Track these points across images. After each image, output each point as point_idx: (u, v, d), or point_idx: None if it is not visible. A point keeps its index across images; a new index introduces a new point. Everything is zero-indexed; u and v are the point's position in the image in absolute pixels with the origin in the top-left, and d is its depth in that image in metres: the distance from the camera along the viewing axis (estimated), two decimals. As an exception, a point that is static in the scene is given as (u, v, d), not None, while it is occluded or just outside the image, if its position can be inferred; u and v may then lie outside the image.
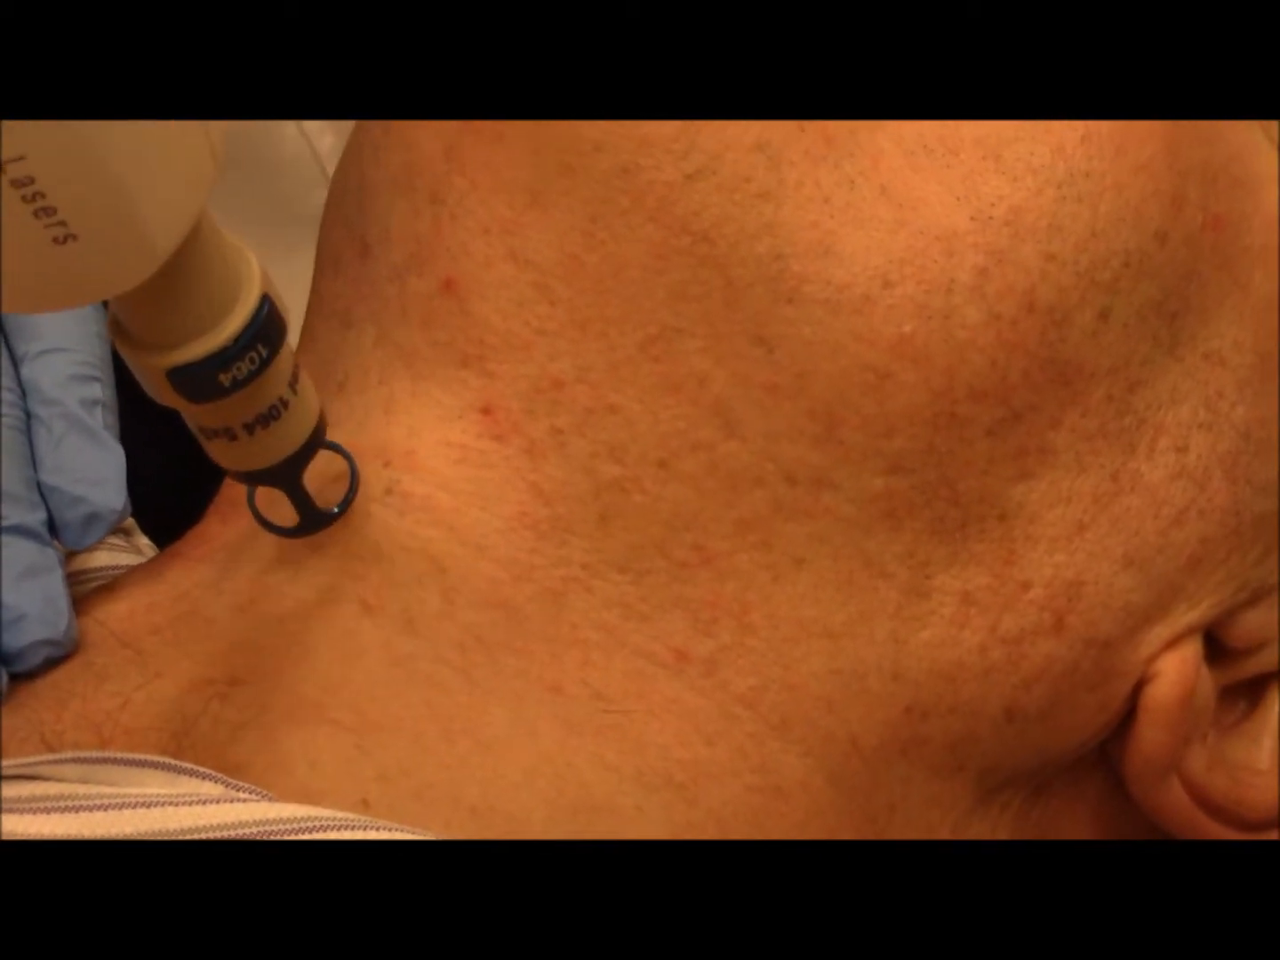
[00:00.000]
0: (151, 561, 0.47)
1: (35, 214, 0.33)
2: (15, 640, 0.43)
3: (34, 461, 0.46)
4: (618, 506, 0.43)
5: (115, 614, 0.45)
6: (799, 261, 0.43)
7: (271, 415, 0.40)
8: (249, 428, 0.40)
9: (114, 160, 0.33)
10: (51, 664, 0.43)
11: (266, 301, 0.38)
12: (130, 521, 0.56)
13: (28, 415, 0.46)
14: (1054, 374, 0.44)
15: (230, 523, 0.46)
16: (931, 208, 0.43)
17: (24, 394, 0.47)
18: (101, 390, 0.47)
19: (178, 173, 0.35)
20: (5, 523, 0.44)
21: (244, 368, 0.38)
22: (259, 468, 0.41)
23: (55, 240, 0.33)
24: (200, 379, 0.38)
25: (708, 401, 0.43)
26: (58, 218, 0.33)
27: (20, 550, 0.44)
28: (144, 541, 0.57)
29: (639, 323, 0.43)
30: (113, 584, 0.47)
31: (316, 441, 0.42)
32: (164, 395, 0.39)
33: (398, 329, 0.45)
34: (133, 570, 0.47)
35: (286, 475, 0.42)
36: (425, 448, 0.44)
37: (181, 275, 0.37)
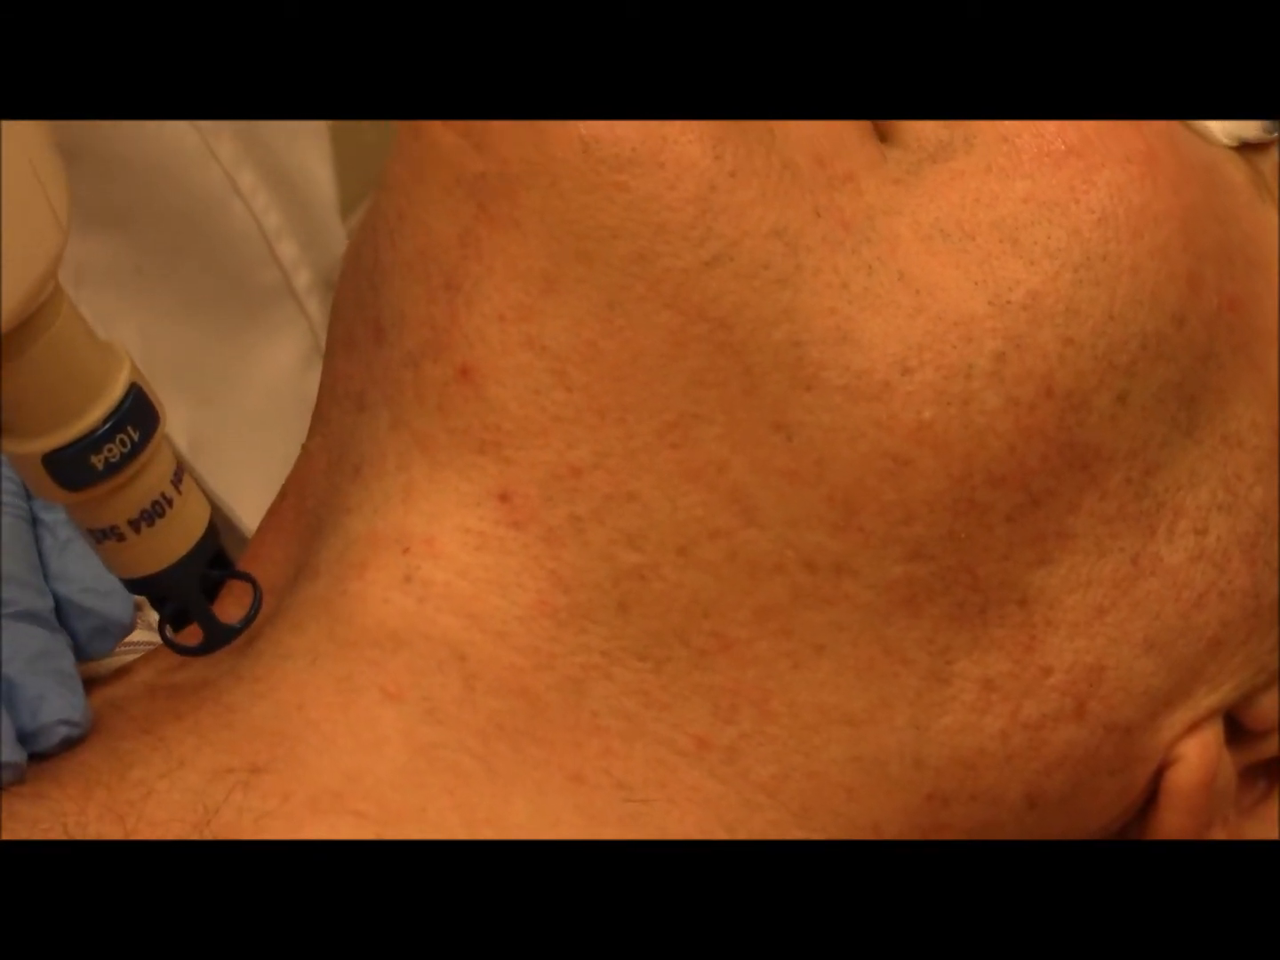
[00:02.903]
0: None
1: None
2: (33, 720, 0.43)
3: (40, 560, 0.46)
4: (637, 594, 0.43)
5: (135, 698, 0.45)
6: (817, 348, 0.43)
7: (155, 512, 0.42)
8: (134, 525, 0.42)
9: None
10: (69, 744, 0.43)
11: (135, 388, 0.41)
12: (139, 599, 0.56)
13: (31, 512, 0.46)
14: (1072, 458, 0.44)
15: (246, 607, 0.46)
16: (949, 293, 0.43)
17: (27, 494, 0.47)
18: None
19: (16, 232, 0.36)
20: (13, 609, 0.44)
21: (116, 450, 0.40)
22: (151, 572, 0.42)
23: None
24: (73, 462, 0.40)
25: (726, 488, 0.43)
26: None
27: (31, 635, 0.44)
28: (155, 617, 0.57)
29: (657, 409, 0.43)
30: (132, 667, 0.47)
31: (207, 548, 0.43)
32: (45, 488, 0.41)
33: (414, 415, 0.45)
34: (148, 655, 0.47)
35: (181, 584, 0.43)
36: (444, 534, 0.44)
37: (43, 354, 0.39)
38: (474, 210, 0.45)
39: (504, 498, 0.44)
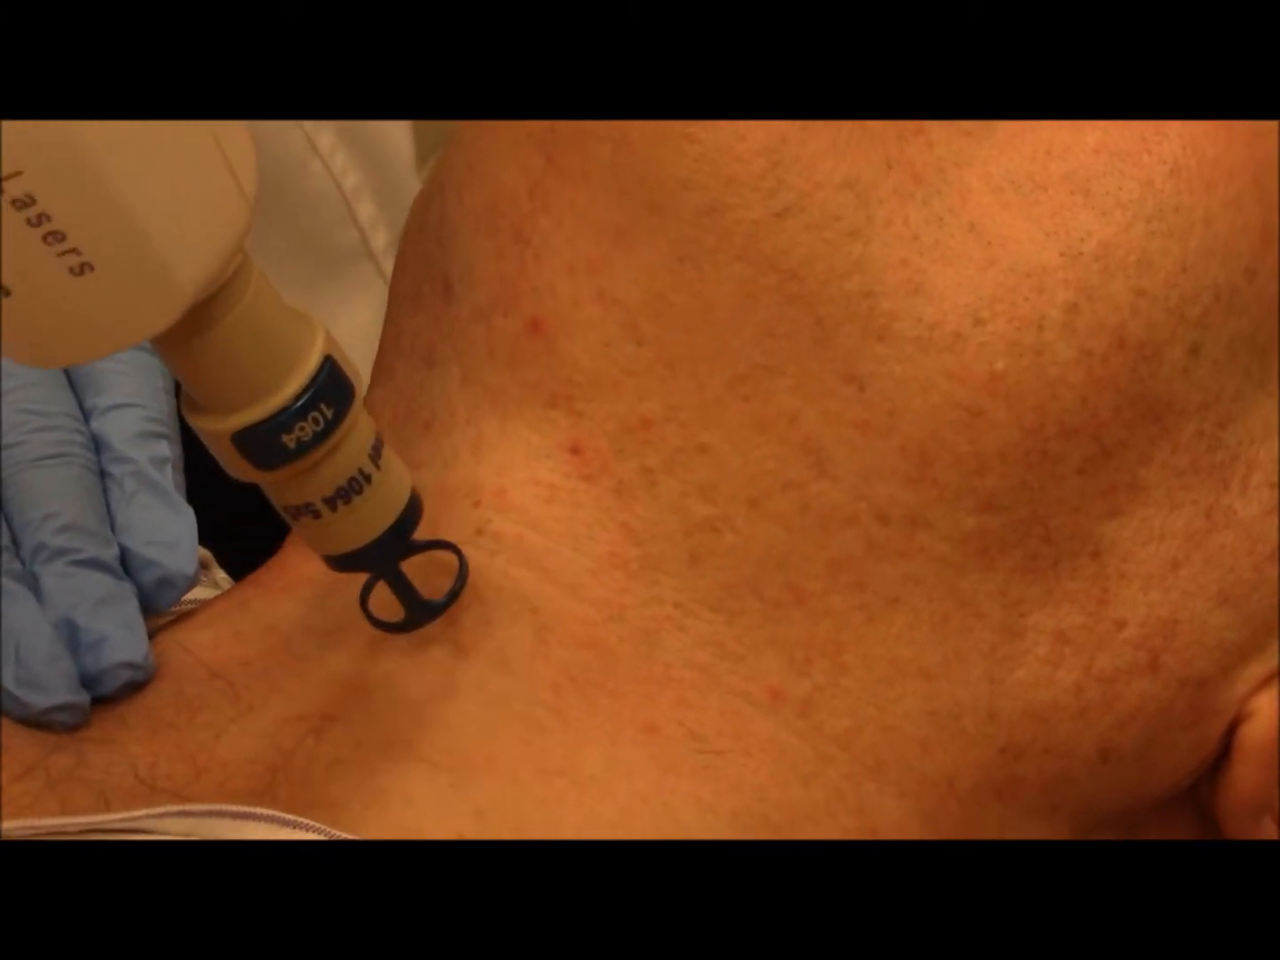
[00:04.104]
0: (233, 591, 0.47)
1: (45, 239, 0.32)
2: (96, 663, 0.43)
3: (108, 512, 0.46)
4: (709, 546, 0.43)
5: (201, 643, 0.45)
6: (889, 299, 0.43)
7: (353, 489, 0.40)
8: (330, 503, 0.39)
9: (114, 175, 0.33)
10: (132, 688, 0.43)
11: (329, 362, 0.38)
12: (208, 555, 0.56)
13: (100, 465, 0.47)
14: (1145, 410, 0.44)
15: (309, 555, 0.46)
16: (1021, 244, 0.43)
17: (96, 447, 0.47)
18: (169, 448, 0.47)
19: (198, 204, 0.34)
20: (80, 556, 0.44)
21: (308, 429, 0.38)
22: (348, 549, 0.41)
23: (72, 270, 0.33)
24: (264, 441, 0.38)
25: (798, 440, 0.43)
26: (69, 244, 0.33)
27: (96, 581, 0.44)
28: (221, 575, 0.57)
29: (728, 361, 0.43)
30: (195, 613, 0.47)
31: (408, 524, 0.41)
32: (237, 466, 0.39)
33: (484, 369, 0.45)
34: (214, 600, 0.47)
35: (381, 560, 0.41)
36: (515, 487, 0.44)
37: (233, 329, 0.37)
38: (543, 163, 0.45)
39: (575, 450, 0.44)
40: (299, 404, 0.38)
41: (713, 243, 0.43)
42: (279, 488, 0.40)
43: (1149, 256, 0.43)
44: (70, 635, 0.43)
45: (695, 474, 0.43)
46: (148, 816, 0.38)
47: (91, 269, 0.33)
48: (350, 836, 0.38)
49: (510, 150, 0.45)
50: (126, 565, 0.45)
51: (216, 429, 0.38)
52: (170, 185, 0.34)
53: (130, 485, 0.46)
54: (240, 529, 0.56)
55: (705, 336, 0.43)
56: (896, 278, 0.43)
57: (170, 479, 0.46)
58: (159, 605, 0.45)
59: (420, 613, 0.42)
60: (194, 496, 0.47)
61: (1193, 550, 0.44)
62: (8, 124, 0.31)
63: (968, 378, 0.42)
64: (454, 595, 0.42)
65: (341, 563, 0.41)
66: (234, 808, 0.39)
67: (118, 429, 0.46)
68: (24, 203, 0.32)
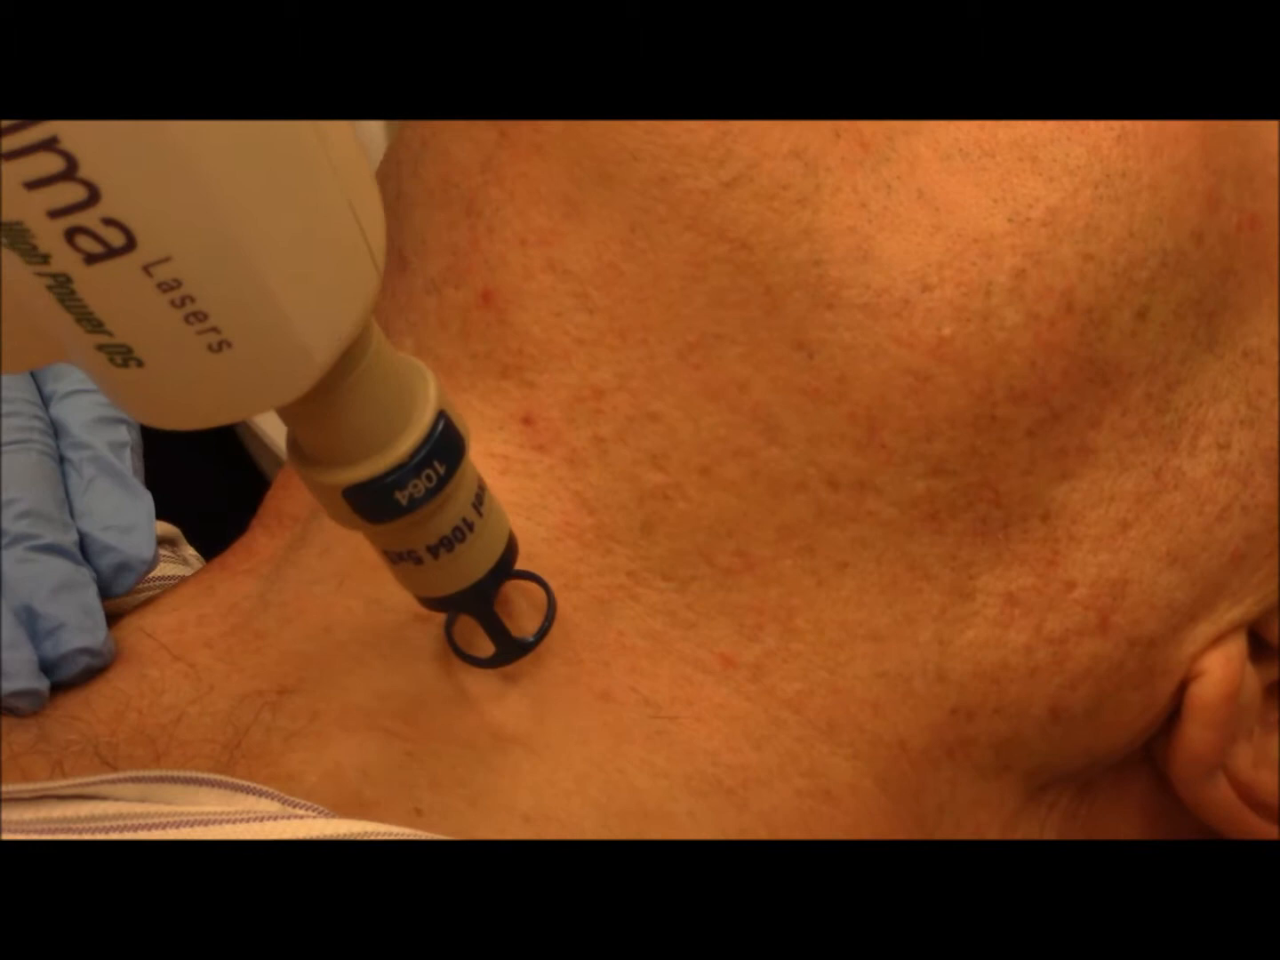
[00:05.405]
0: (199, 574, 0.48)
1: (186, 319, 0.32)
2: (54, 649, 0.43)
3: (67, 498, 0.46)
4: (661, 514, 0.43)
5: (165, 627, 0.45)
6: (837, 267, 0.43)
7: (456, 538, 0.39)
8: (433, 550, 0.39)
9: (260, 258, 0.32)
10: (91, 673, 0.44)
11: (443, 417, 0.38)
12: (176, 532, 0.57)
13: (58, 450, 0.47)
14: (1093, 373, 0.44)
15: (276, 535, 0.46)
16: (968, 210, 0.43)
17: (55, 432, 0.47)
18: (128, 432, 0.47)
19: (333, 277, 0.34)
20: (38, 542, 0.44)
21: (421, 486, 0.38)
22: (446, 593, 0.41)
23: (210, 348, 0.33)
24: (376, 498, 0.38)
25: (748, 407, 0.43)
26: (210, 323, 0.32)
27: (55, 566, 0.44)
28: (190, 552, 0.57)
29: (678, 330, 0.43)
30: (160, 598, 0.47)
31: (506, 566, 0.41)
32: (343, 517, 0.38)
33: (437, 341, 0.45)
34: (181, 583, 0.47)
35: (476, 602, 0.41)
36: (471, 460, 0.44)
37: (352, 389, 0.36)
38: (495, 136, 0.45)
39: (527, 421, 0.44)
40: (414, 462, 0.38)
41: (663, 212, 0.43)
42: (383, 536, 0.39)
43: (1096, 221, 0.44)
44: (29, 621, 0.43)
45: (647, 442, 0.43)
46: (101, 782, 0.39)
47: (230, 346, 0.33)
48: (302, 801, 0.38)
49: (463, 124, 0.45)
50: (85, 550, 0.45)
51: (328, 483, 0.38)
52: (310, 263, 0.33)
53: (89, 470, 0.46)
54: (202, 513, 0.56)
55: (656, 305, 0.43)
56: (845, 245, 0.43)
57: (129, 464, 0.46)
58: (117, 590, 0.45)
59: (510, 649, 0.42)
60: (153, 481, 0.47)
61: (1142, 511, 0.45)
62: (158, 212, 0.31)
63: (916, 343, 0.43)
64: (543, 633, 0.42)
65: (437, 604, 0.41)
66: (185, 773, 0.39)
67: (76, 414, 0.47)
68: (170, 285, 0.32)
